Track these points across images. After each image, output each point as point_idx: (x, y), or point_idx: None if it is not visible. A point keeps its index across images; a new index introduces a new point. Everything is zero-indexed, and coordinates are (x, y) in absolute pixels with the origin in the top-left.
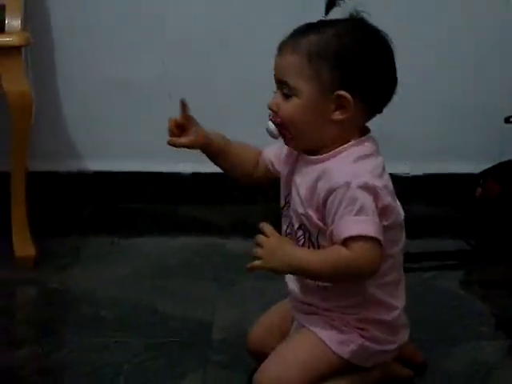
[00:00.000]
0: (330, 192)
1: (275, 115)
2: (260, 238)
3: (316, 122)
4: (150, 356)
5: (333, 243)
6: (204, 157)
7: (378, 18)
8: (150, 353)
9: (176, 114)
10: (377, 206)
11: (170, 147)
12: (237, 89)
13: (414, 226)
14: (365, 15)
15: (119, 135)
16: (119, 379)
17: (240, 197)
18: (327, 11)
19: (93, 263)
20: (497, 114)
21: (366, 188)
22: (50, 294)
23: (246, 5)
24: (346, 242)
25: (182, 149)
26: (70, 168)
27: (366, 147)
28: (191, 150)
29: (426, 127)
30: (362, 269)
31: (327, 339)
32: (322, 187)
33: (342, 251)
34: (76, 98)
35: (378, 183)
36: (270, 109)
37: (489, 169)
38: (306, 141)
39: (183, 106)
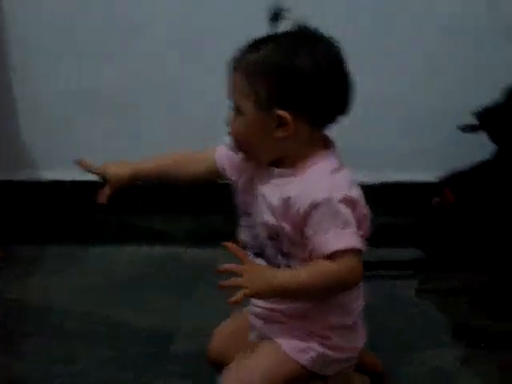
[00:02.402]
0: (312, 207)
1: (230, 131)
2: (235, 267)
3: (262, 139)
4: (113, 367)
5: (312, 255)
6: None
7: (330, 29)
8: (113, 364)
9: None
10: (354, 217)
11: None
12: (197, 101)
13: (371, 235)
14: (313, 25)
15: (79, 144)
16: None
17: (194, 206)
18: (272, 25)
19: (55, 274)
20: (452, 122)
21: (346, 201)
22: (10, 305)
23: (208, 18)
24: (333, 255)
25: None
26: (28, 177)
27: (335, 160)
28: None
29: (383, 137)
30: (349, 280)
31: (287, 347)
32: (302, 202)
33: (329, 265)
34: (31, 109)
35: (355, 195)
36: (227, 125)
37: (444, 178)
38: (260, 155)
39: (82, 165)
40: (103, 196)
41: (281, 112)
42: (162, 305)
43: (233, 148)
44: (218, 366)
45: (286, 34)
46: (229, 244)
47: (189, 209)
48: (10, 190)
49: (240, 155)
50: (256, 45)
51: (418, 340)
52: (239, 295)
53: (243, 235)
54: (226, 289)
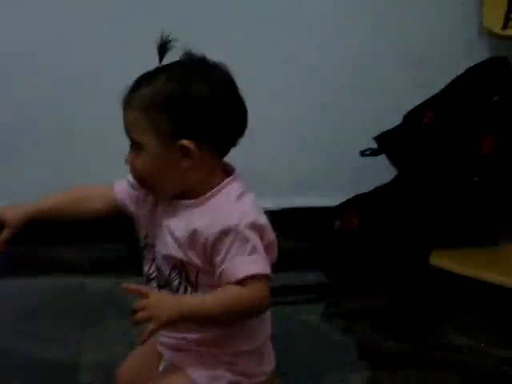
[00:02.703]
0: (221, 234)
1: (131, 170)
2: (137, 303)
3: (168, 172)
4: None
5: (221, 281)
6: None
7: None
8: None
9: None
10: (263, 243)
11: None
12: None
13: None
14: (200, 53)
15: None
16: None
17: (96, 235)
18: (161, 57)
19: None
20: (352, 147)
21: (254, 227)
22: None
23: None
24: (242, 281)
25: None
26: None
27: (238, 185)
28: None
29: (283, 162)
30: (258, 305)
31: (197, 376)
32: (210, 231)
33: (238, 289)
34: None
35: (263, 221)
36: (126, 164)
37: (346, 202)
38: (167, 189)
39: None
40: (1, 242)
41: (184, 142)
42: (67, 336)
43: (135, 186)
44: None
45: (175, 64)
46: (127, 286)
47: (91, 237)
48: None
49: (143, 191)
50: (146, 79)
51: (324, 364)
52: (146, 333)
53: (146, 267)
54: (136, 319)
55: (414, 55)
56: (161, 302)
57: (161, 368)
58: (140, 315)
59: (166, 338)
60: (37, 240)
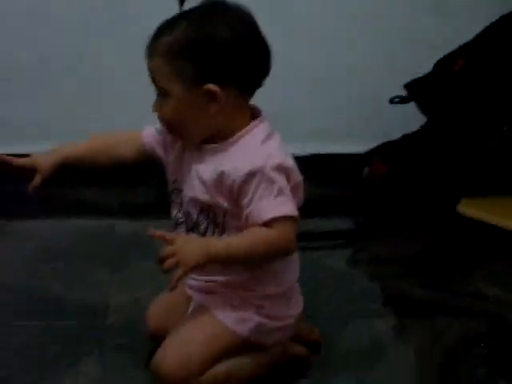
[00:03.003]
0: (247, 176)
1: (159, 117)
2: (164, 250)
3: (195, 117)
4: (47, 340)
5: (248, 224)
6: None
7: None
8: (46, 337)
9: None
10: (289, 184)
11: None
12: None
13: (303, 207)
14: None
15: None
16: (16, 362)
17: (126, 179)
18: (181, 3)
19: None
20: (382, 94)
21: (280, 169)
22: None
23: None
24: (268, 222)
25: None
26: None
27: (265, 128)
28: None
29: (312, 108)
30: (285, 247)
31: (225, 318)
32: (237, 174)
33: (265, 231)
34: None
35: (289, 163)
36: (154, 111)
37: (375, 148)
38: (195, 134)
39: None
40: (36, 184)
41: (209, 86)
42: (95, 277)
43: (163, 132)
44: (157, 337)
45: (195, 9)
46: (153, 232)
47: (121, 181)
48: None
49: (170, 137)
50: (167, 26)
51: (350, 309)
52: (175, 278)
53: (175, 212)
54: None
55: (447, 3)
56: (187, 246)
57: (190, 310)
58: (168, 262)
59: (194, 280)
60: (66, 182)
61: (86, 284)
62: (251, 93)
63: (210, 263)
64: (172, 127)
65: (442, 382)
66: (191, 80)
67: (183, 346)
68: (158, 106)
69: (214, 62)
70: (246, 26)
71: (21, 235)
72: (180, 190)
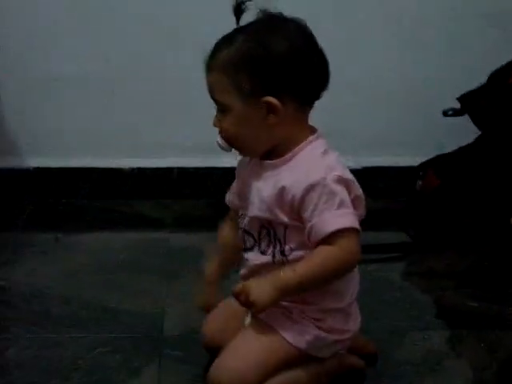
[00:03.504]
0: (308, 189)
1: (220, 132)
2: (237, 289)
3: (255, 131)
4: (105, 351)
5: (310, 238)
6: (143, 152)
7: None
8: (104, 348)
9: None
10: (350, 197)
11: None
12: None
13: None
14: (274, 9)
15: (60, 133)
16: (75, 375)
17: (180, 192)
18: (237, 19)
19: (38, 260)
20: (435, 106)
21: (341, 181)
22: None
23: (194, 7)
24: (331, 236)
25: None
26: (11, 164)
27: (322, 143)
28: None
29: (365, 121)
30: (349, 261)
31: (283, 331)
32: (297, 187)
33: (326, 249)
34: (13, 96)
35: (349, 175)
36: (214, 126)
37: (428, 161)
38: (255, 148)
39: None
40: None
41: (268, 98)
42: (151, 289)
43: (226, 147)
44: (213, 349)
45: (252, 24)
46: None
47: (174, 195)
48: None
49: (235, 153)
50: (226, 41)
51: (405, 322)
52: (250, 316)
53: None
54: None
55: (503, 16)
56: (259, 287)
57: (246, 323)
58: (243, 301)
59: None
60: (119, 195)
61: (142, 296)
62: (310, 105)
63: (283, 296)
64: (234, 141)
65: None
66: (250, 93)
67: (240, 358)
68: (218, 122)
69: (271, 74)
70: (304, 38)
71: (77, 248)
72: (245, 214)
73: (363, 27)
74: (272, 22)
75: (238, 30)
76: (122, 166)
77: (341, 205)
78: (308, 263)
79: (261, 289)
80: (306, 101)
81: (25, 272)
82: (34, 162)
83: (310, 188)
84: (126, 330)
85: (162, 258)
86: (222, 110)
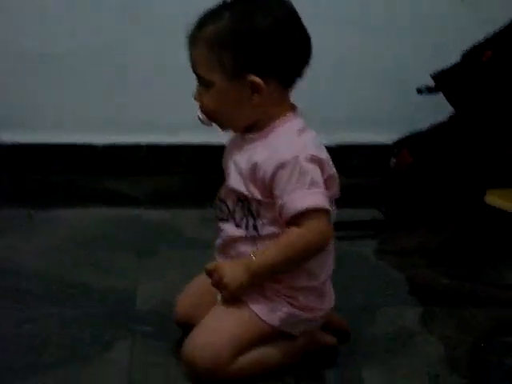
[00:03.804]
0: (279, 167)
1: (201, 106)
2: (210, 267)
3: (237, 107)
4: (78, 327)
5: (281, 215)
6: (116, 128)
7: None
8: (77, 324)
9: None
10: (323, 177)
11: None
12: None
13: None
14: None
15: (34, 109)
16: (48, 350)
17: (152, 168)
18: None
19: (10, 235)
20: (409, 84)
21: (314, 160)
22: None
23: None
24: (300, 214)
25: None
26: None
27: (299, 121)
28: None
29: (339, 99)
30: (319, 241)
31: (256, 307)
32: (270, 163)
33: (296, 231)
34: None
35: (323, 155)
36: (195, 100)
37: (402, 140)
38: (236, 124)
39: None
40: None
41: (252, 77)
42: (123, 265)
43: (206, 121)
44: (186, 325)
45: (235, 1)
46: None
47: (147, 171)
48: None
49: (213, 126)
50: (210, 16)
51: (378, 299)
52: (223, 298)
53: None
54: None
55: None
56: (230, 272)
57: (219, 298)
58: (215, 283)
59: None
60: (92, 172)
61: (114, 271)
62: (292, 84)
63: (255, 280)
64: (213, 115)
65: (470, 371)
66: (233, 69)
67: (213, 334)
68: (199, 96)
69: (255, 51)
70: (288, 15)
71: (49, 224)
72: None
73: (340, 8)
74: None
75: (224, 7)
76: (93, 142)
77: (312, 184)
78: (278, 246)
79: (234, 273)
80: (288, 79)
81: None
82: (6, 137)
83: (280, 166)
84: (98, 306)
85: (134, 234)
86: (205, 84)
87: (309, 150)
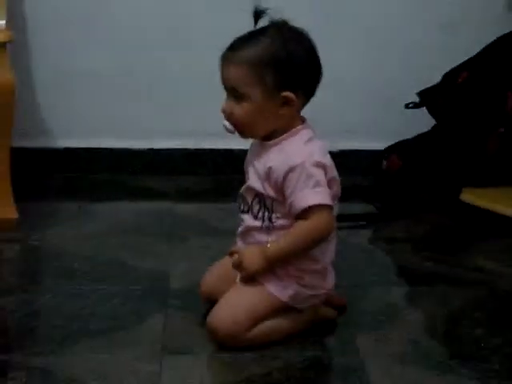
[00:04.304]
0: (290, 170)
1: (229, 117)
2: (234, 250)
3: (266, 119)
4: (119, 301)
5: (291, 210)
6: (154, 135)
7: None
8: (119, 298)
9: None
10: (326, 179)
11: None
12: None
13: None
14: (285, 19)
15: (86, 118)
16: (94, 319)
17: (182, 169)
18: (256, 22)
19: (62, 225)
20: (399, 101)
21: (318, 165)
22: (32, 250)
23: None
24: (307, 210)
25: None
26: (43, 145)
27: (309, 132)
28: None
29: (343, 113)
30: (324, 231)
31: (269, 285)
32: (281, 167)
33: (303, 224)
34: (44, 86)
35: (326, 161)
36: (223, 112)
37: (392, 146)
38: (258, 132)
39: None
40: None
41: (286, 93)
42: (157, 250)
43: (231, 129)
44: (210, 300)
45: (273, 29)
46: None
47: (178, 172)
48: (27, 156)
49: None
50: (251, 40)
51: (369, 279)
52: (241, 278)
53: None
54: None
55: (453, 25)
56: (249, 257)
57: (238, 278)
58: (236, 266)
59: None
60: (136, 173)
61: (150, 255)
62: (311, 97)
63: (270, 266)
64: (241, 125)
65: (447, 340)
66: (271, 87)
67: (233, 307)
68: (228, 108)
69: (292, 73)
70: (311, 45)
71: (95, 215)
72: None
73: (342, 38)
74: (290, 29)
75: (257, 32)
76: (133, 147)
77: (316, 185)
78: (289, 237)
79: (252, 258)
80: (310, 94)
81: (54, 235)
82: (62, 143)
83: (290, 170)
84: (137, 283)
85: (167, 224)
86: (238, 98)
87: (314, 157)
